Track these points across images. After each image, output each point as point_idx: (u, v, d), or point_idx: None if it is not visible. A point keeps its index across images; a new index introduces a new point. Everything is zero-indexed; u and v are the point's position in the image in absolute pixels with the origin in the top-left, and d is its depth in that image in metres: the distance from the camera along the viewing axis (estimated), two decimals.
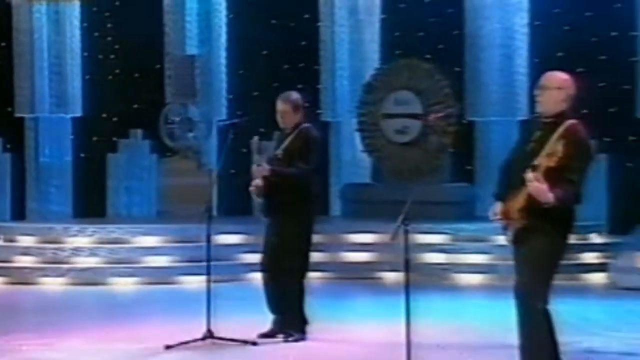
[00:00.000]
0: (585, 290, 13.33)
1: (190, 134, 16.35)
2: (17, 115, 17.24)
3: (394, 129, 16.17)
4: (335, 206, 16.98)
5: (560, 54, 16.61)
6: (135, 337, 10.00)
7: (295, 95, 9.76)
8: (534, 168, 6.68)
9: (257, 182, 9.33)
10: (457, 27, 17.39)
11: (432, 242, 14.52)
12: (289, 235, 9.36)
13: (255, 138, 10.48)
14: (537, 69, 16.89)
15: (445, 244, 14.56)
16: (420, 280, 13.62)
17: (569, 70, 7.04)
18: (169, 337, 9.36)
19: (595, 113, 15.97)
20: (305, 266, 9.61)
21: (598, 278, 14.10)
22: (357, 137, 17.04)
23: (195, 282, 13.60)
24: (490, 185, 16.04)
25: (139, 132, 17.10)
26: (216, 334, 9.21)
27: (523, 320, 6.96)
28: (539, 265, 6.91)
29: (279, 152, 9.42)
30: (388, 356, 8.55)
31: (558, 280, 6.91)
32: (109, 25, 17.45)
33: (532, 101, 17.47)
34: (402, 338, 7.82)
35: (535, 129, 7.00)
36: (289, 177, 9.28)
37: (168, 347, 9.05)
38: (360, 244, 14.99)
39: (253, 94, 17.41)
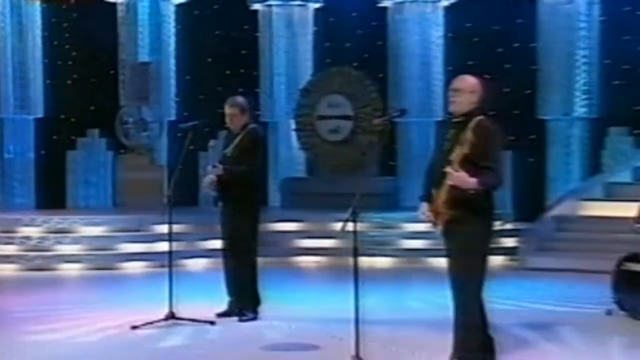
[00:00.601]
0: (497, 271, 13.42)
1: (144, 134, 16.26)
2: None
3: (328, 129, 16.24)
4: (275, 198, 16.90)
5: (470, 62, 16.73)
6: (100, 319, 9.76)
7: (241, 99, 9.75)
8: (449, 163, 6.75)
9: (212, 177, 9.29)
10: (381, 38, 17.51)
11: (362, 229, 14.42)
12: (240, 223, 9.36)
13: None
14: (451, 76, 17.03)
15: (373, 231, 14.49)
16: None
17: (478, 76, 7.13)
18: (135, 318, 9.22)
19: (501, 114, 16.18)
20: (255, 251, 9.51)
21: (507, 260, 14.13)
22: (294, 136, 17.05)
23: (143, 268, 13.70)
24: (411, 178, 16.40)
25: (96, 131, 16.95)
26: (177, 315, 9.13)
27: (459, 303, 7.01)
28: (471, 253, 6.95)
29: (229, 151, 9.39)
30: (334, 332, 8.55)
31: None
32: (67, 35, 17.27)
33: (447, 104, 17.67)
34: (346, 315, 7.85)
35: (449, 129, 7.03)
36: (239, 174, 9.23)
37: (134, 327, 8.91)
38: (299, 231, 14.96)
39: (199, 97, 17.36)
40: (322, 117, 16.36)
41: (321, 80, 16.71)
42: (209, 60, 17.59)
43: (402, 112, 7.75)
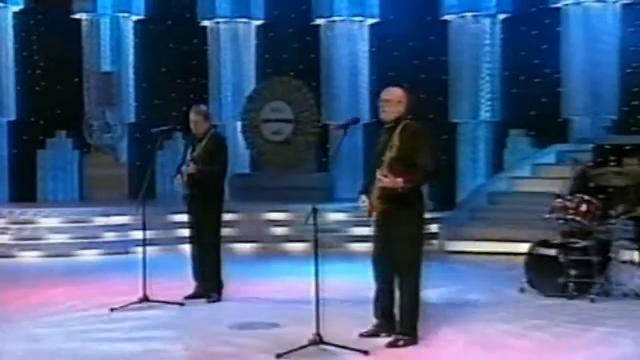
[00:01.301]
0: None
1: (108, 135, 16.18)
2: None
3: (271, 131, 16.35)
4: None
5: (391, 73, 16.91)
6: (81, 301, 9.57)
7: (204, 107, 9.70)
8: (381, 163, 6.90)
9: (184, 177, 9.18)
10: (314, 52, 17.63)
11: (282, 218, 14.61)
12: (207, 216, 9.28)
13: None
14: (375, 85, 17.28)
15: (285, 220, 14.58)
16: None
17: (399, 85, 7.32)
18: (110, 300, 9.10)
19: (418, 118, 16.40)
20: (219, 240, 9.39)
21: (427, 244, 14.22)
22: (240, 137, 17.06)
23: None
24: (342, 173, 16.53)
25: (63, 132, 16.75)
26: (143, 295, 9.01)
27: (402, 286, 7.12)
28: (408, 246, 7.06)
29: (196, 153, 9.26)
30: (290, 310, 8.57)
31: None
32: (35, 47, 17.03)
33: (372, 109, 17.91)
34: (302, 295, 8.05)
35: (382, 134, 7.14)
36: (208, 173, 9.15)
37: (113, 309, 8.79)
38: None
39: (154, 102, 17.32)
40: (266, 121, 16.44)
41: (265, 89, 16.77)
42: (163, 69, 17.50)
43: (356, 121, 7.83)
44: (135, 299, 8.97)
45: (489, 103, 16.95)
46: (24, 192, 16.41)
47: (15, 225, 13.79)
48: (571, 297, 9.11)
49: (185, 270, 9.72)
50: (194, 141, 9.44)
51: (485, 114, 16.99)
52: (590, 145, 14.01)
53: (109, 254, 13.39)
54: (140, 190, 9.61)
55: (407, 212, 7.00)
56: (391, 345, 7.05)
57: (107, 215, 14.15)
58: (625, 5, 15.76)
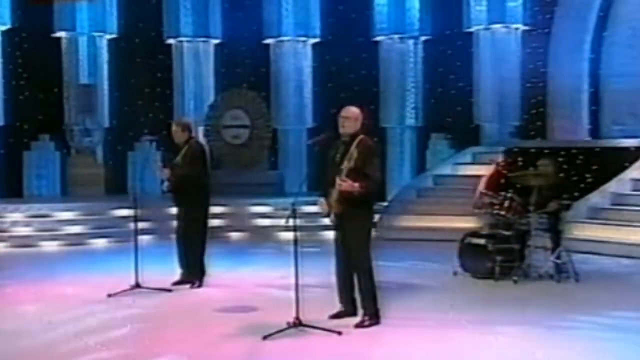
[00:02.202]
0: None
1: (88, 139, 15.85)
2: None
3: (231, 135, 16.16)
4: None
5: (330, 84, 17.15)
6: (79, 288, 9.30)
7: (185, 119, 9.71)
8: (340, 172, 6.91)
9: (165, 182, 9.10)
10: (265, 66, 17.46)
11: (259, 211, 14.46)
12: (191, 212, 9.12)
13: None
14: (318, 95, 17.34)
15: (267, 212, 14.46)
16: (254, 237, 13.93)
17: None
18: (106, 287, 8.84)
19: (369, 133, 16.43)
20: (204, 233, 9.22)
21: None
22: (203, 140, 16.61)
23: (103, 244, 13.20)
24: (289, 171, 16.50)
25: (46, 136, 16.29)
26: (135, 282, 8.81)
27: (360, 273, 7.18)
28: (361, 239, 7.14)
29: (178, 160, 9.11)
30: (269, 298, 8.44)
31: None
32: (20, 61, 16.49)
33: (314, 116, 17.76)
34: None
35: (340, 146, 7.11)
36: (186, 177, 8.98)
37: (110, 295, 8.60)
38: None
39: (125, 109, 16.92)
40: (226, 127, 16.26)
41: (225, 99, 16.59)
42: (132, 81, 17.10)
43: (329, 137, 7.70)
44: (126, 286, 8.77)
45: (413, 111, 16.97)
46: (12, 188, 15.92)
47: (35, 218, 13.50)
48: (497, 279, 9.22)
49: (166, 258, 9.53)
50: (176, 150, 9.21)
51: (410, 120, 17.00)
52: (501, 148, 14.31)
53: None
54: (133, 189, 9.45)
55: (360, 211, 7.09)
56: (358, 325, 7.06)
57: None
58: (524, 32, 16.04)
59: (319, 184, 7.52)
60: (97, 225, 13.48)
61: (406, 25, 16.81)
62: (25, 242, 12.96)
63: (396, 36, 16.91)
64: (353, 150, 6.97)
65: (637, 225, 11.45)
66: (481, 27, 16.14)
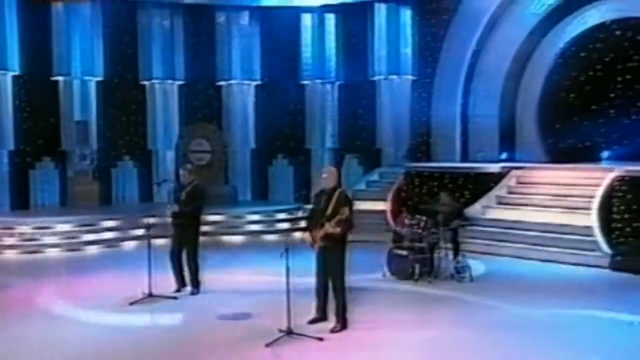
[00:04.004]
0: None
1: (85, 162, 15.26)
2: None
3: (196, 158, 15.75)
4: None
5: (268, 116, 16.99)
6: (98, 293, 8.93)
7: (189, 166, 9.38)
8: (328, 218, 6.98)
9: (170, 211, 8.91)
10: (218, 102, 17.15)
11: (216, 220, 14.12)
12: (188, 235, 8.91)
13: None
14: (259, 125, 17.13)
15: (222, 220, 14.23)
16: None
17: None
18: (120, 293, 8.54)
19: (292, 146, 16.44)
20: (197, 250, 8.95)
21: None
22: (174, 165, 16.42)
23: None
24: (238, 183, 16.39)
25: (48, 158, 15.55)
26: (149, 292, 8.48)
27: (337, 289, 7.23)
28: (339, 265, 7.21)
29: (182, 196, 8.94)
30: (262, 300, 8.10)
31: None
32: (24, 98, 15.50)
33: (256, 140, 17.49)
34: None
35: (324, 195, 7.21)
36: (188, 211, 8.83)
37: (131, 303, 8.28)
38: None
39: (107, 135, 16.23)
40: (192, 152, 15.95)
41: (191, 130, 16.28)
42: (112, 112, 16.37)
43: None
44: (140, 295, 8.47)
45: (331, 137, 17.04)
46: (20, 201, 15.15)
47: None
48: (416, 281, 9.40)
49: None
50: (181, 187, 9.07)
51: (328, 144, 17.06)
52: (402, 170, 14.62)
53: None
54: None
55: (338, 245, 7.16)
56: (332, 330, 7.13)
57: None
58: (413, 81, 16.26)
59: (308, 224, 7.41)
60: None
61: (325, 73, 16.96)
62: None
63: (318, 81, 16.99)
64: (334, 200, 7.07)
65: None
66: (382, 76, 16.38)
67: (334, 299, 7.28)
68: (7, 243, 12.47)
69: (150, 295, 8.57)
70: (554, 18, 14.55)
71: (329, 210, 7.04)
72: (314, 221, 7.20)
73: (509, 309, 8.02)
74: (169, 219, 9.04)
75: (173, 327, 7.67)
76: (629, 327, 7.32)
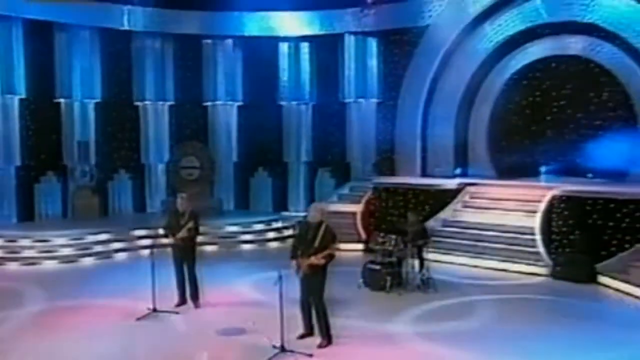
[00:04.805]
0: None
1: (85, 178, 15.04)
2: None
3: (186, 174, 15.83)
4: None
5: (250, 134, 16.93)
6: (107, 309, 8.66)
7: (184, 194, 9.21)
8: (315, 250, 6.98)
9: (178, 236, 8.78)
10: (204, 120, 17.05)
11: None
12: (188, 255, 8.90)
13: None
14: (242, 141, 17.06)
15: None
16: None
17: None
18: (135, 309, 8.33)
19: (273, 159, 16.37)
20: (195, 267, 8.86)
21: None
22: (164, 177, 16.42)
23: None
24: (222, 194, 16.34)
25: (51, 172, 15.24)
26: (153, 307, 8.36)
27: (317, 310, 7.28)
28: (320, 289, 7.20)
29: (183, 221, 8.84)
30: (256, 315, 7.95)
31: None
32: (29, 117, 15.12)
33: (239, 155, 17.37)
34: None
35: (310, 229, 7.21)
36: (191, 235, 8.86)
37: (138, 319, 8.17)
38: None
39: (104, 151, 15.91)
40: (183, 168, 15.92)
41: (182, 148, 16.20)
42: (109, 129, 16.18)
43: None
44: (146, 310, 8.36)
45: (305, 151, 17.07)
46: (25, 213, 14.87)
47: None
48: (388, 292, 9.54)
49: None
50: (180, 214, 8.96)
51: (303, 158, 17.09)
52: (370, 185, 14.75)
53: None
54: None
55: (320, 272, 7.20)
56: (320, 346, 7.17)
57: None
58: (378, 103, 16.34)
59: (292, 252, 7.32)
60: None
61: (301, 95, 17.00)
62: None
63: (294, 102, 17.02)
64: (321, 234, 7.12)
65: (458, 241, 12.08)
66: (351, 99, 16.49)
67: (316, 320, 7.32)
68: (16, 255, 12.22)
69: (155, 310, 8.50)
70: (501, 53, 14.91)
71: (316, 244, 7.08)
72: (299, 250, 7.21)
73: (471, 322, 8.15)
74: (170, 240, 9.03)
75: (175, 344, 7.53)
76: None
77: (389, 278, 9.69)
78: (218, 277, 10.51)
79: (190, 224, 8.85)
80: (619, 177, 12.72)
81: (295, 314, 7.33)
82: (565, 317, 8.30)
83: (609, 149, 13.14)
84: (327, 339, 7.32)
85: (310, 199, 16.37)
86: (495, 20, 14.62)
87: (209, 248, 13.44)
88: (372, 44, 16.36)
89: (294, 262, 7.21)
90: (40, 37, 14.87)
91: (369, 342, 7.39)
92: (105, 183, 15.98)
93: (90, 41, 15.58)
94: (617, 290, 9.67)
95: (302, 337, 7.39)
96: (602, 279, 10.14)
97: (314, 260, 7.05)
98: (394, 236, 9.96)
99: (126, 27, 15.86)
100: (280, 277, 6.87)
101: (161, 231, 9.03)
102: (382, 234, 10.19)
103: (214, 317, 8.43)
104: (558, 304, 9.08)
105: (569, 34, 13.83)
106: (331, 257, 7.18)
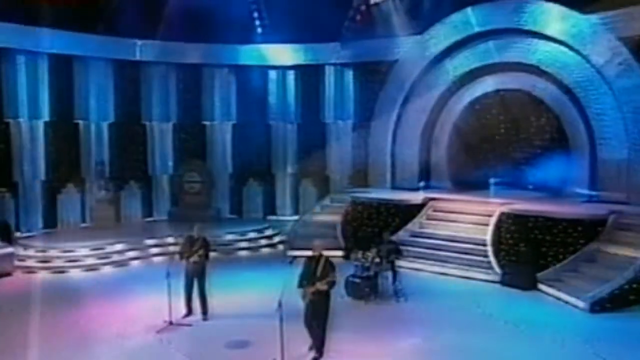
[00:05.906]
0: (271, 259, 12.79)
1: (102, 192, 14.91)
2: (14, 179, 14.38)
3: (189, 187, 15.72)
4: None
5: (243, 148, 16.71)
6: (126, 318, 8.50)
7: (198, 225, 9.12)
8: (318, 278, 7.03)
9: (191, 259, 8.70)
10: (202, 138, 16.80)
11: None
12: (200, 273, 8.89)
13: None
14: (236, 156, 16.76)
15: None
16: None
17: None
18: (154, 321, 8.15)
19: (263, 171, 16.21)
20: (205, 282, 8.80)
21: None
22: (169, 187, 16.31)
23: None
24: (220, 204, 16.19)
25: (71, 185, 15.09)
26: (169, 320, 8.27)
27: (321, 329, 7.27)
28: (324, 312, 7.22)
29: (195, 247, 8.83)
30: (260, 326, 7.64)
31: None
32: (50, 136, 14.84)
33: (234, 166, 17.02)
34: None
35: (313, 260, 7.22)
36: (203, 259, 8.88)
37: (158, 331, 8.01)
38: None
39: (115, 162, 15.78)
40: (187, 182, 15.83)
41: (184, 165, 16.11)
42: (120, 143, 15.94)
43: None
44: (162, 323, 8.24)
45: (290, 164, 16.98)
46: (49, 222, 14.72)
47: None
48: (367, 301, 9.60)
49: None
50: (194, 240, 8.99)
51: (289, 170, 17.02)
52: (349, 198, 14.80)
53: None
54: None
55: (324, 298, 7.23)
56: (314, 359, 7.22)
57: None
58: (354, 124, 16.16)
59: (300, 283, 7.24)
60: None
61: (287, 115, 16.97)
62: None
63: (281, 122, 16.98)
64: (321, 265, 7.17)
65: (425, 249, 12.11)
66: (330, 120, 16.57)
67: (315, 336, 7.31)
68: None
69: (171, 323, 8.49)
70: (459, 84, 15.16)
71: (318, 273, 7.15)
72: (306, 281, 7.22)
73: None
74: (184, 261, 9.01)
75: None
76: None
77: (367, 289, 9.79)
78: (222, 284, 10.10)
79: (201, 252, 8.94)
80: (555, 192, 13.10)
81: (296, 328, 7.14)
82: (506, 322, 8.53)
83: (546, 167, 13.55)
84: (320, 354, 7.35)
85: (295, 206, 16.42)
86: (454, 58, 14.86)
87: (211, 254, 13.26)
88: (349, 73, 16.47)
89: (300, 291, 7.20)
90: (61, 66, 14.69)
91: (355, 356, 7.36)
92: (118, 193, 15.88)
93: (104, 70, 15.46)
94: (554, 296, 9.82)
95: (311, 348, 7.38)
96: (542, 287, 10.30)
97: (318, 286, 7.12)
98: (370, 253, 10.10)
99: (138, 58, 15.72)
100: (279, 304, 6.71)
101: (177, 257, 9.06)
102: (361, 252, 10.31)
103: (221, 329, 8.32)
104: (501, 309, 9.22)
105: (514, 71, 14.17)
106: (333, 283, 7.19)
